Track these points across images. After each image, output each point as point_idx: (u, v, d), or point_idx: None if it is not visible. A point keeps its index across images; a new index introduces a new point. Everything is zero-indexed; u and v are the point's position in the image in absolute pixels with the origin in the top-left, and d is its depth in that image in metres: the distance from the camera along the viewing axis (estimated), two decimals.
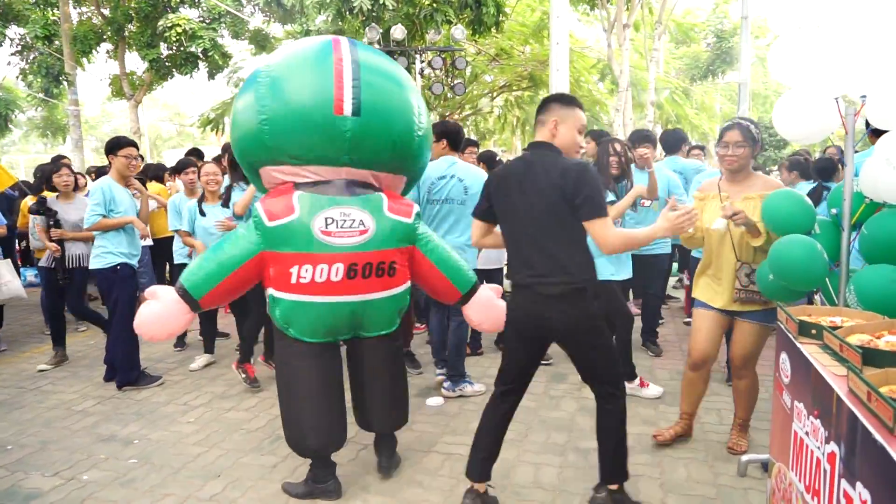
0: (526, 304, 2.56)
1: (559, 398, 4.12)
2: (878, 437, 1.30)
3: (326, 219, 2.67)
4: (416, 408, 3.96)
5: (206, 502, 2.90)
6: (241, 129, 2.88)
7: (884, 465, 1.26)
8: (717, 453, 3.26)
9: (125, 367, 4.45)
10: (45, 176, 5.39)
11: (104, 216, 4.33)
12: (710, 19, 25.44)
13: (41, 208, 5.00)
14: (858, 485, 1.38)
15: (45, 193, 5.32)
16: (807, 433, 1.79)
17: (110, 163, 4.52)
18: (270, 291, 2.75)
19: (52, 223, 4.93)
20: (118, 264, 4.39)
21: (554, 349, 4.61)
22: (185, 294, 2.69)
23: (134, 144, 4.52)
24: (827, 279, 2.79)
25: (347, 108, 2.69)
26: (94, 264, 4.42)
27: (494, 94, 18.96)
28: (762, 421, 3.58)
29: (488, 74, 17.47)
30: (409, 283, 2.97)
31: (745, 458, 3.06)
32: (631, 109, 16.81)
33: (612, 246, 2.39)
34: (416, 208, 2.96)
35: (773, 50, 2.82)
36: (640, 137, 4.75)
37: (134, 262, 4.52)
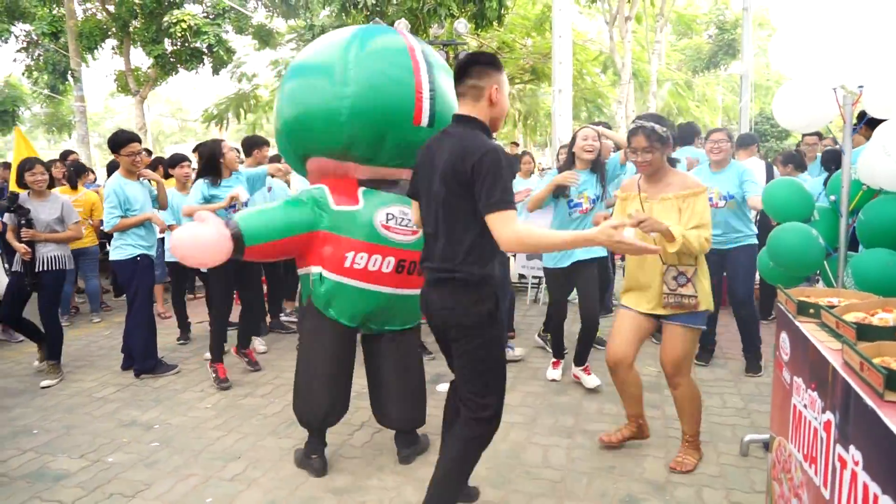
0: (423, 289, 2.39)
1: (566, 384, 4.23)
2: (869, 402, 1.40)
3: (388, 214, 2.88)
4: (426, 393, 4.07)
5: (229, 482, 3.02)
6: (311, 119, 2.90)
7: (874, 428, 1.36)
8: (720, 434, 3.37)
9: (143, 356, 4.57)
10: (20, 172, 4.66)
11: (122, 216, 4.45)
12: (711, 11, 25.42)
13: (12, 206, 4.50)
14: (851, 447, 1.48)
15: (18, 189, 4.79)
16: (805, 405, 1.89)
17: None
18: (318, 270, 2.89)
19: (23, 223, 4.45)
20: (139, 255, 4.53)
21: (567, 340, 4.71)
22: (237, 234, 2.68)
23: (135, 139, 4.57)
24: (826, 263, 2.89)
25: (425, 119, 2.86)
26: (114, 255, 4.52)
27: None
28: (763, 403, 3.69)
29: None
30: None
31: (747, 437, 3.16)
32: (633, 101, 16.88)
33: (505, 245, 2.09)
34: None
35: (774, 41, 2.92)
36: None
37: (153, 252, 4.65)
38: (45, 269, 4.55)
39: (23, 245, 4.44)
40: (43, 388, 4.45)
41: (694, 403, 3.01)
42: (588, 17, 21.65)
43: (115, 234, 4.54)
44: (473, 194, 2.11)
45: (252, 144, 5.21)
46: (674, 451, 3.18)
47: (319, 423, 3.03)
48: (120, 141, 4.48)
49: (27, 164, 4.59)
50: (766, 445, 3.03)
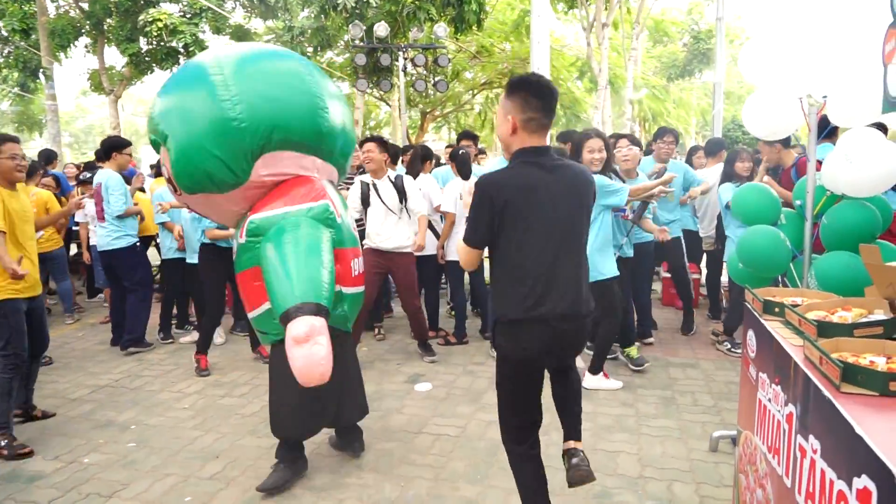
0: (545, 338, 2.19)
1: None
2: (827, 393, 1.48)
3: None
4: (405, 393, 4.12)
5: (207, 481, 3.02)
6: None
7: (830, 418, 1.44)
8: (691, 431, 3.46)
9: (138, 331, 5.16)
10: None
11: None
12: (686, 21, 25.91)
13: None
14: (811, 437, 1.56)
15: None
16: (769, 399, 1.98)
17: (108, 159, 5.09)
18: (337, 289, 2.76)
19: None
20: (135, 243, 5.10)
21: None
22: (328, 313, 2.55)
23: (130, 143, 5.33)
24: (791, 265, 3.00)
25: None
26: (115, 244, 4.97)
27: (476, 91, 19.13)
28: (732, 401, 3.80)
29: (469, 71, 17.66)
30: None
31: (716, 434, 3.26)
32: (610, 107, 17.12)
33: None
34: None
35: (743, 52, 3.03)
36: (663, 132, 5.43)
37: None
38: None
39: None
40: None
41: None
42: (564, 23, 21.88)
43: (113, 226, 4.96)
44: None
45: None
46: (646, 447, 3.27)
47: (293, 442, 3.01)
48: (121, 143, 5.18)
49: None
50: (734, 441, 3.13)
